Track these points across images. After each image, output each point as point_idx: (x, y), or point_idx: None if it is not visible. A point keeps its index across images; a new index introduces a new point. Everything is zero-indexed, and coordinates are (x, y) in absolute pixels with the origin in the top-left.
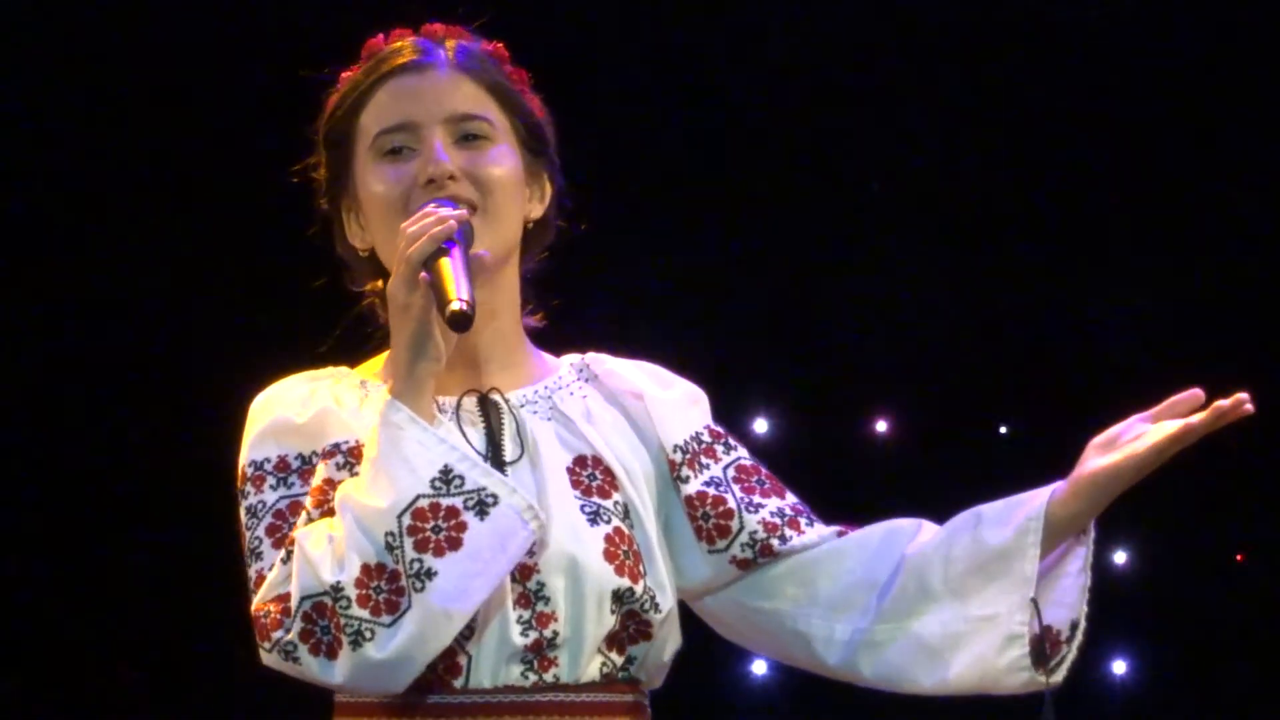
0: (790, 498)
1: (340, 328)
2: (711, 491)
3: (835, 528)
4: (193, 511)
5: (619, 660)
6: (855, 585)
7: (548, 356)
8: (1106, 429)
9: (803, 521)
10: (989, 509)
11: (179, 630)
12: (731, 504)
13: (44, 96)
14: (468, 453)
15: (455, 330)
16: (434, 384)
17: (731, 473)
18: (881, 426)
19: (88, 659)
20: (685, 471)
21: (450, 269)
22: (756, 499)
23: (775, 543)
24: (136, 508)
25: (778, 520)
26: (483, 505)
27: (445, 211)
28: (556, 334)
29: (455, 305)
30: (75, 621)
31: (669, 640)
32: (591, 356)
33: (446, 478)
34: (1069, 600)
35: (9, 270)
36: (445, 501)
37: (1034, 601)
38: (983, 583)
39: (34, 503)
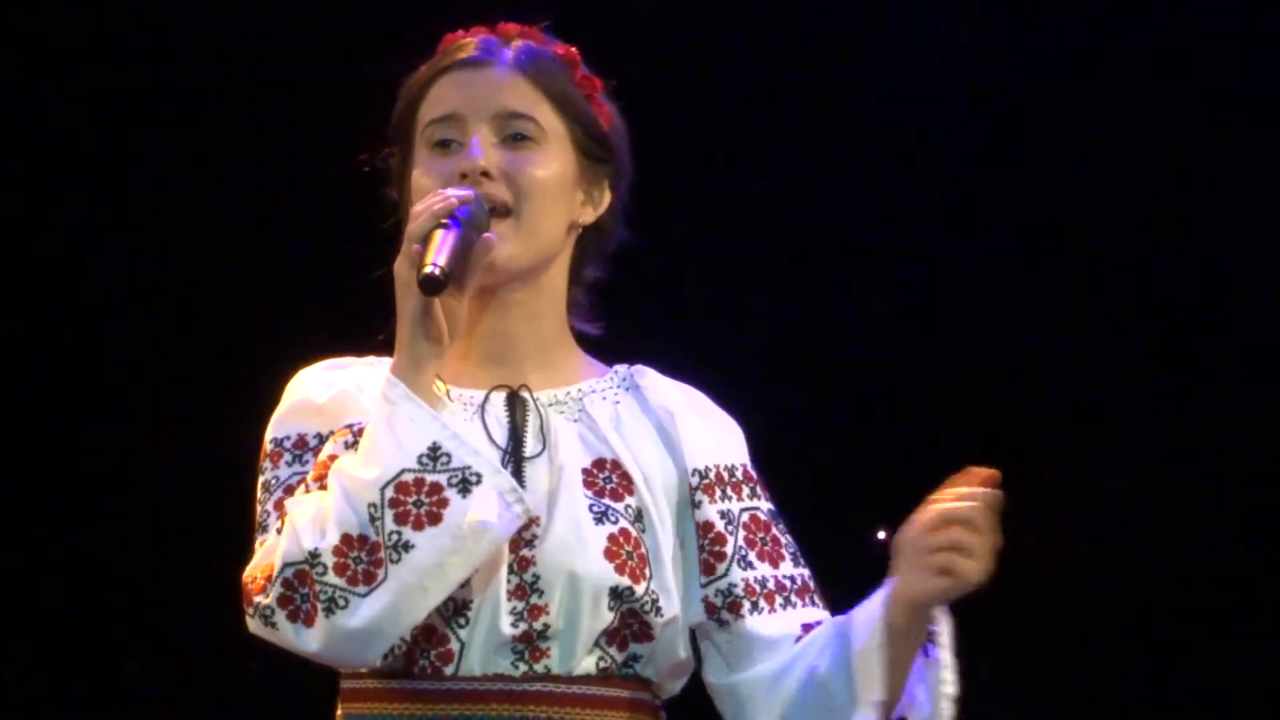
0: (784, 568)
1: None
2: (718, 526)
3: (798, 629)
4: (199, 505)
5: (620, 656)
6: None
7: (596, 364)
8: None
9: (778, 600)
10: (860, 609)
11: (181, 622)
12: (728, 548)
13: (65, 76)
14: (458, 432)
15: (424, 293)
16: (437, 364)
17: (745, 518)
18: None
19: (88, 650)
20: (700, 496)
21: (436, 240)
22: (752, 556)
23: (746, 604)
24: (140, 499)
25: (757, 587)
26: (466, 483)
27: (452, 192)
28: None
29: (426, 269)
30: (75, 613)
31: (676, 644)
32: (638, 368)
33: (434, 454)
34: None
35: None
36: (430, 477)
37: (884, 703)
38: (846, 685)
39: (35, 492)
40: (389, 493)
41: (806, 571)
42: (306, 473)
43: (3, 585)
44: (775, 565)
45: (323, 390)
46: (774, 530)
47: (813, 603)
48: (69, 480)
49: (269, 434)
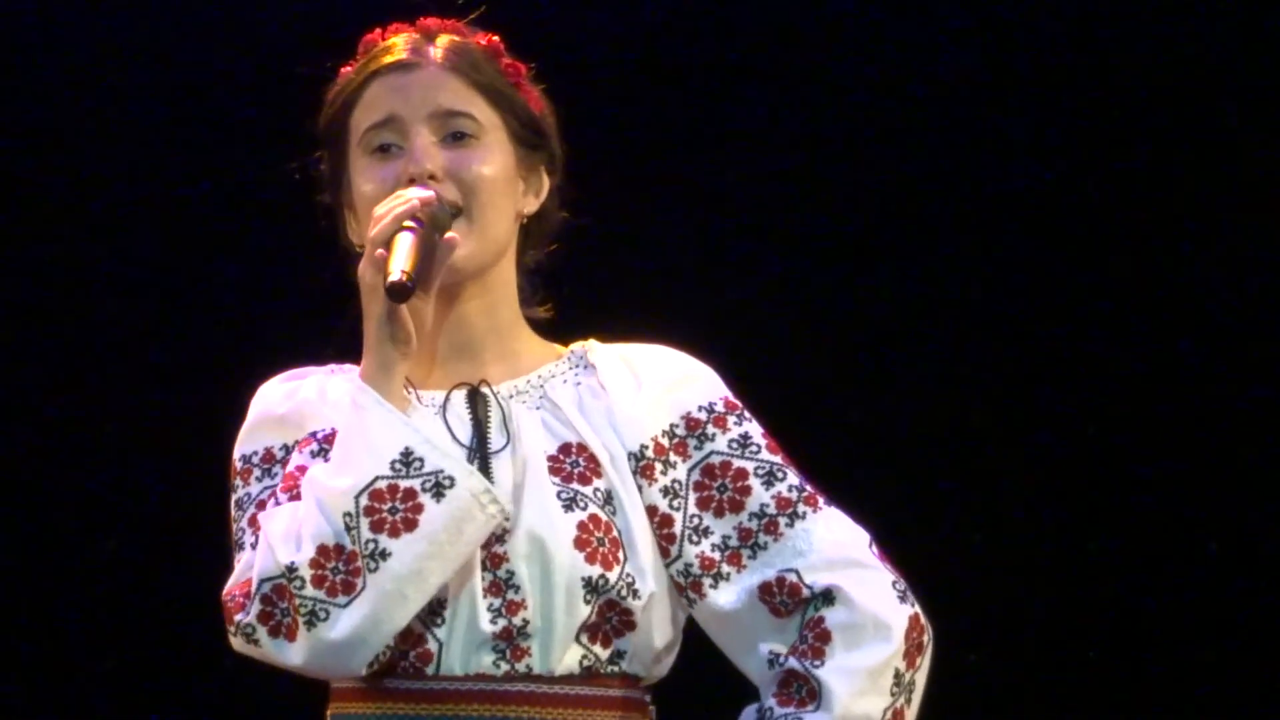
0: (751, 503)
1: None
2: (662, 506)
3: (755, 585)
4: (178, 506)
5: (604, 653)
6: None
7: (553, 346)
8: None
9: (744, 555)
10: None
11: (161, 623)
12: (677, 528)
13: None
14: (430, 436)
15: (393, 300)
16: (405, 367)
17: (696, 475)
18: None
19: (66, 651)
20: (640, 481)
21: (401, 244)
22: (708, 520)
23: (707, 581)
24: (121, 500)
25: (716, 555)
26: (439, 487)
27: (413, 192)
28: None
29: (392, 276)
30: (54, 613)
31: (655, 628)
32: (589, 344)
33: (407, 460)
34: None
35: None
36: (404, 483)
37: None
38: None
39: (14, 492)
40: (363, 500)
41: (785, 485)
42: (275, 486)
43: None
44: (739, 509)
45: (282, 401)
46: (736, 464)
47: (793, 518)
48: (50, 477)
49: (236, 451)
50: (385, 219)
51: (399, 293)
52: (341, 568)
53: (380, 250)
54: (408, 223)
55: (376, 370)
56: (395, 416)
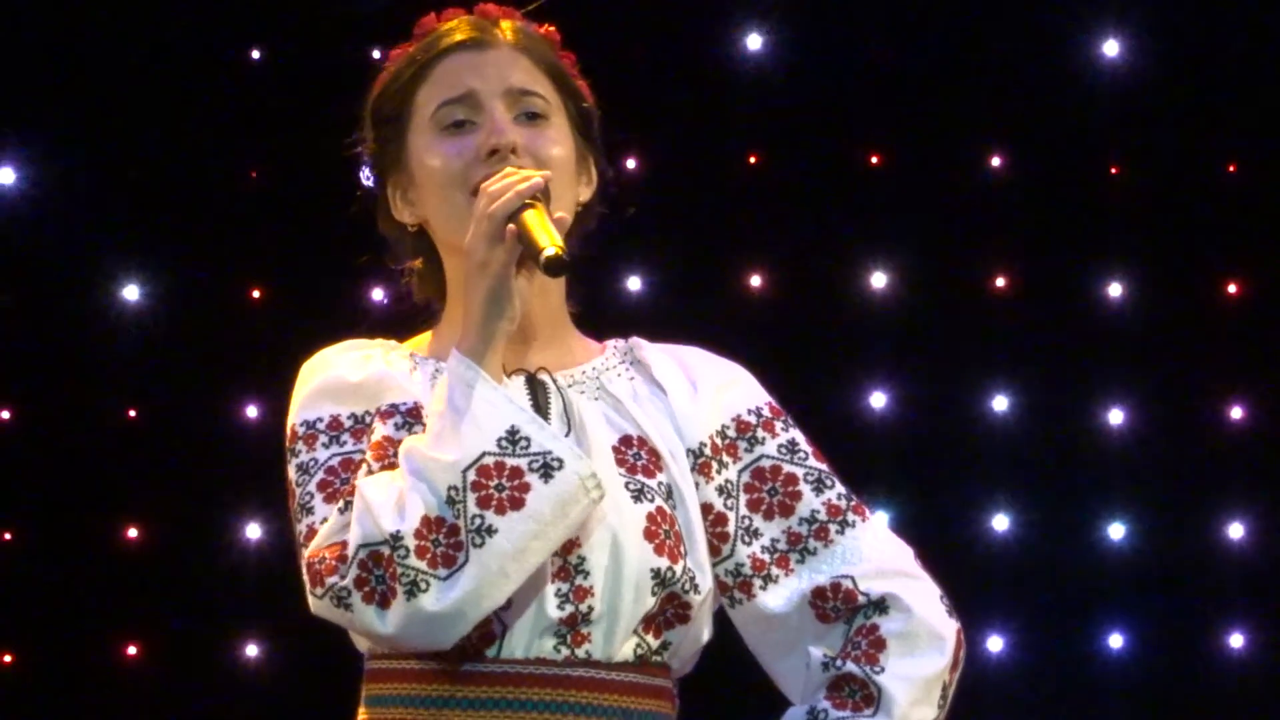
0: (801, 508)
1: (393, 305)
2: (717, 505)
3: (808, 590)
4: (200, 488)
5: (654, 644)
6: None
7: (591, 340)
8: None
9: (792, 559)
10: None
11: (182, 606)
12: (730, 527)
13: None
14: (535, 415)
15: (551, 275)
16: (504, 343)
17: (746, 477)
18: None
19: (86, 634)
20: (697, 478)
21: (540, 220)
22: (758, 522)
23: (757, 583)
24: (141, 480)
25: (766, 558)
26: (548, 468)
27: (526, 170)
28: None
29: (550, 251)
30: (73, 596)
31: (704, 624)
32: (634, 341)
33: (513, 438)
34: None
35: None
36: (510, 461)
37: None
38: None
39: (35, 474)
40: (470, 475)
41: (834, 492)
42: (345, 453)
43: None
44: (789, 513)
45: (356, 370)
46: (786, 468)
47: (843, 525)
48: (71, 457)
49: (297, 416)
50: (505, 195)
51: (560, 267)
52: (442, 540)
53: (510, 225)
54: (529, 200)
55: (480, 345)
56: (500, 394)
